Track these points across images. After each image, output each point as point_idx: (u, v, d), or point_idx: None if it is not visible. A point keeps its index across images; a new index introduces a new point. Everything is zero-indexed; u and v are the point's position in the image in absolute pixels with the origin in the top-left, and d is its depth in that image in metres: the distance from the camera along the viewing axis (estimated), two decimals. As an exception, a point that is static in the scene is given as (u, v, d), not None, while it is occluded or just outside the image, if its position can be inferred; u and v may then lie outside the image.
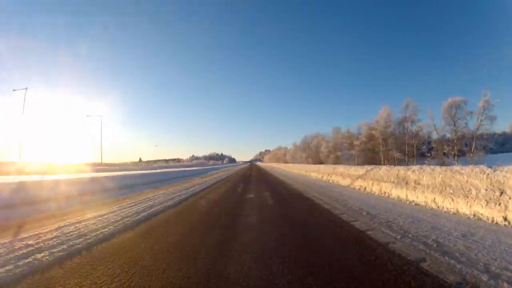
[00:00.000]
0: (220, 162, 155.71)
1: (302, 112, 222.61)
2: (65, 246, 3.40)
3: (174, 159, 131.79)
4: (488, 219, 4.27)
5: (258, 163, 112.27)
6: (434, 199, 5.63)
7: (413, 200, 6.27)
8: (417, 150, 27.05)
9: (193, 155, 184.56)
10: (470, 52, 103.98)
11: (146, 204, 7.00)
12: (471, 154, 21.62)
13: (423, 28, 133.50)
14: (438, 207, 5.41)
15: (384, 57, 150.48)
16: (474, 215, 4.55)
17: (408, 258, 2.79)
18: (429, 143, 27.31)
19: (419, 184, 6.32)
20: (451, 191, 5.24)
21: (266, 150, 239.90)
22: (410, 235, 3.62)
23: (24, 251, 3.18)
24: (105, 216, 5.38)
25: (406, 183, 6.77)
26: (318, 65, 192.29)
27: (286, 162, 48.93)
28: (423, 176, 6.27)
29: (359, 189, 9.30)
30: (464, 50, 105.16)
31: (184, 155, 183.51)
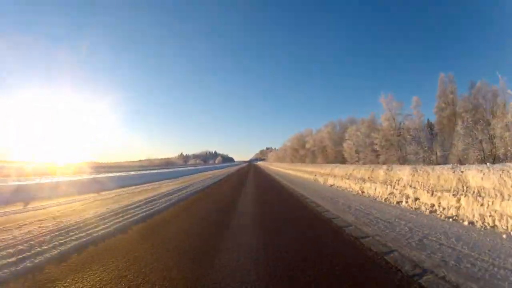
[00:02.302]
0: (212, 161, 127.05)
1: (303, 110, 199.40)
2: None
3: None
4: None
5: (260, 163, 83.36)
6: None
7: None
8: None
9: (181, 153, 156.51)
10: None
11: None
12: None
13: (423, 24, 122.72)
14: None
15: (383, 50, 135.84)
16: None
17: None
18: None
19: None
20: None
21: (267, 148, 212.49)
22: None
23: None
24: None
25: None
26: (322, 56, 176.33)
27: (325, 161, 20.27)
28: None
29: None
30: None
31: (175, 153, 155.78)
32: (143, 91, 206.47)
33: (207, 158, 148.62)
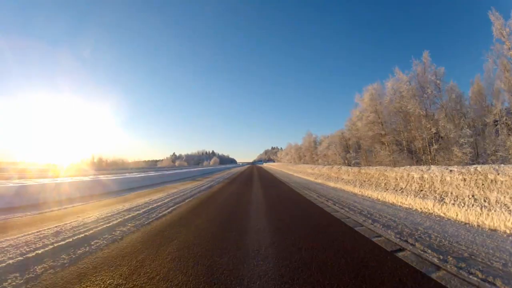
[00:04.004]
0: (206, 163, 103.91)
1: (308, 110, 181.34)
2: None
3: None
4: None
5: (267, 166, 59.86)
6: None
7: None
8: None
9: (173, 154, 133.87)
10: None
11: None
12: None
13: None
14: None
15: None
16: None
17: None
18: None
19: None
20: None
21: (273, 148, 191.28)
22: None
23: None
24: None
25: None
26: (325, 55, 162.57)
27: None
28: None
29: None
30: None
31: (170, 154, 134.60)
32: (139, 89, 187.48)
33: (202, 158, 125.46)
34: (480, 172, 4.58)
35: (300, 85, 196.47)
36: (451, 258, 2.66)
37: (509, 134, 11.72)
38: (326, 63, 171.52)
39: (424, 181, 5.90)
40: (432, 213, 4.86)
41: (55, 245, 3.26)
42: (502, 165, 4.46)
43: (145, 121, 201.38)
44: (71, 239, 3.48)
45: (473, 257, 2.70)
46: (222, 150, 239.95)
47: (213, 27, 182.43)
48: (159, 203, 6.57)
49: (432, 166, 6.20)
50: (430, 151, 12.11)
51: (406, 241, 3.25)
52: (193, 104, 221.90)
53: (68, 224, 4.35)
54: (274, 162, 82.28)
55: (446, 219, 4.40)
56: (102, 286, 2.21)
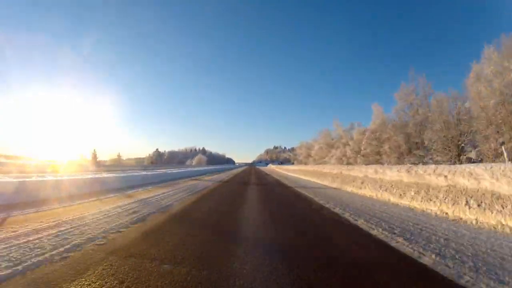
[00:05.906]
0: (189, 162, 76.12)
1: (310, 108, 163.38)
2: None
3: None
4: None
5: (285, 172, 31.03)
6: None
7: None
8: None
9: (157, 150, 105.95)
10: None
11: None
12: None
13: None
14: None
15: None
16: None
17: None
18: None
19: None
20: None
21: (275, 147, 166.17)
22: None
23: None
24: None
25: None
26: (327, 55, 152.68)
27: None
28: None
29: None
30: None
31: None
32: (137, 87, 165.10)
33: (189, 156, 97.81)
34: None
35: (300, 85, 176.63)
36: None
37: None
38: (326, 63, 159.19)
39: None
40: None
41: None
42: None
43: (144, 120, 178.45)
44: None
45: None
46: (220, 149, 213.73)
47: (213, 27, 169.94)
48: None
49: None
50: None
51: None
52: (192, 103, 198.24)
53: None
54: (290, 165, 53.77)
55: None
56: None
